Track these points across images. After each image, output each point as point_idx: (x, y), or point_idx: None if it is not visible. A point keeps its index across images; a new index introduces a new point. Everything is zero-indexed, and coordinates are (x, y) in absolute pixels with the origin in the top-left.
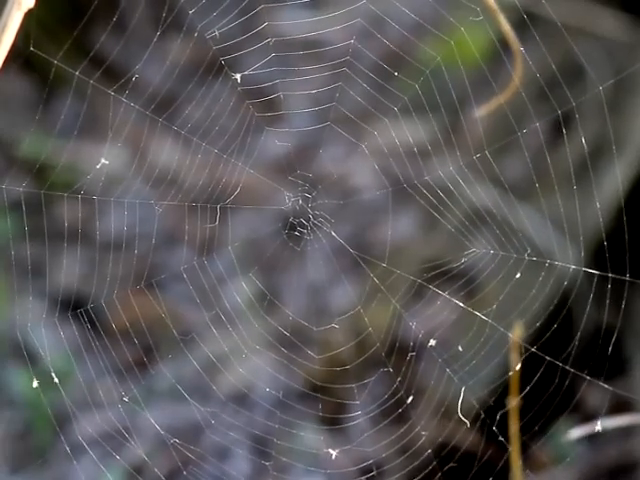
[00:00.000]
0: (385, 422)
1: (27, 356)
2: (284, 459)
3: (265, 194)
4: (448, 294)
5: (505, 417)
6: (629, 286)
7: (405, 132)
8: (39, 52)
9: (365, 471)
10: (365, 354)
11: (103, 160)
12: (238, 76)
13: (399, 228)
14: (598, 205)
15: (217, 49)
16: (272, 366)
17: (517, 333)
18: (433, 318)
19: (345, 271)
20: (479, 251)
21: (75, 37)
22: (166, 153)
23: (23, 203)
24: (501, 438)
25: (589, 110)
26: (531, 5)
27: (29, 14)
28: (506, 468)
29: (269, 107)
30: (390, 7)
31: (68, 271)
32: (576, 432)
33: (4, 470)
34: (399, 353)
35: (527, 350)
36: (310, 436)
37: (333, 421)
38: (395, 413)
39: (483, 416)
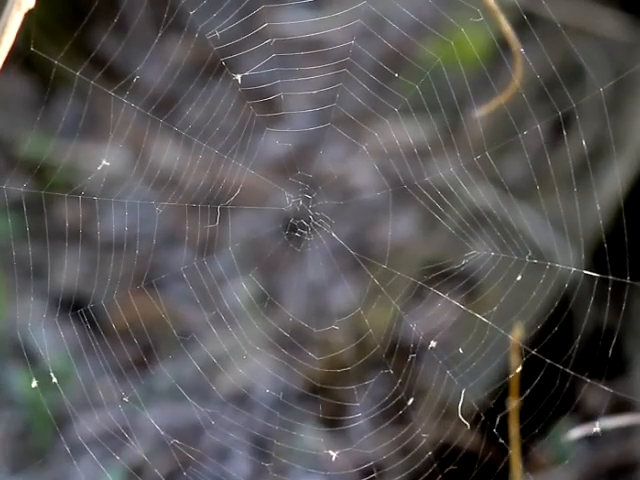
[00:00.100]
0: (386, 424)
1: (27, 356)
2: (284, 460)
3: (265, 195)
4: (448, 296)
5: (506, 418)
6: (629, 288)
7: (405, 133)
8: (39, 52)
9: (365, 473)
10: (365, 355)
11: (104, 162)
12: (239, 77)
13: (399, 229)
14: (598, 207)
15: (218, 50)
16: (272, 367)
17: (517, 335)
18: (433, 320)
19: (345, 272)
20: (479, 253)
21: (76, 37)
22: (167, 154)
23: (24, 203)
24: (501, 440)
25: (589, 110)
26: (531, 5)
27: (29, 14)
28: (506, 470)
29: (270, 108)
30: (390, 8)
31: (68, 271)
32: (576, 432)
33: (4, 470)
34: (399, 355)
35: (527, 352)
36: (310, 437)
37: (333, 422)
38: (395, 415)
39: (483, 418)
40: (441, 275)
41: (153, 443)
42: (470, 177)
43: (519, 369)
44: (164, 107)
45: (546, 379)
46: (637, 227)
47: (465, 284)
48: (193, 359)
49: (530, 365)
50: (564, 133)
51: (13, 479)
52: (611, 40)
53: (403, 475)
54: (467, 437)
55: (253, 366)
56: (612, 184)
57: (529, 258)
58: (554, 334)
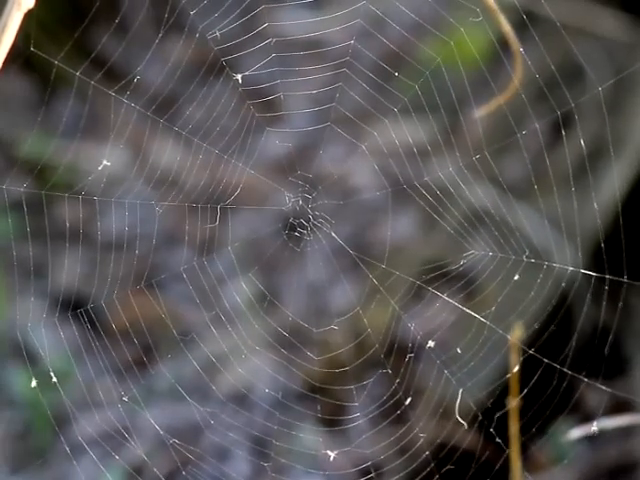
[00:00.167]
0: (384, 423)
1: (27, 356)
2: (283, 460)
3: (265, 194)
4: (447, 296)
5: (503, 418)
6: (629, 287)
7: (405, 132)
8: (39, 52)
9: (364, 472)
10: (364, 355)
11: (105, 162)
12: (239, 77)
13: (399, 229)
14: (596, 206)
15: (218, 50)
16: (271, 367)
17: (516, 334)
18: (432, 319)
19: (345, 272)
20: (478, 253)
21: (76, 38)
22: (167, 154)
23: (24, 203)
24: (498, 440)
25: (589, 110)
26: (531, 5)
27: (29, 14)
28: (504, 469)
29: (270, 107)
30: (390, 7)
31: (69, 271)
32: (576, 432)
33: (4, 470)
34: (398, 354)
35: (525, 352)
36: (309, 437)
37: (332, 422)
38: (394, 414)
39: (481, 418)
40: (440, 275)
41: (153, 443)
42: (469, 177)
43: (517, 368)
44: (164, 107)
45: (544, 378)
46: (636, 227)
47: (463, 284)
48: (193, 359)
49: (529, 364)
50: (563, 133)
51: (13, 479)
52: (611, 40)
53: (401, 475)
54: (465, 437)
55: (252, 366)
56: (611, 184)
57: (527, 258)
58: (552, 333)
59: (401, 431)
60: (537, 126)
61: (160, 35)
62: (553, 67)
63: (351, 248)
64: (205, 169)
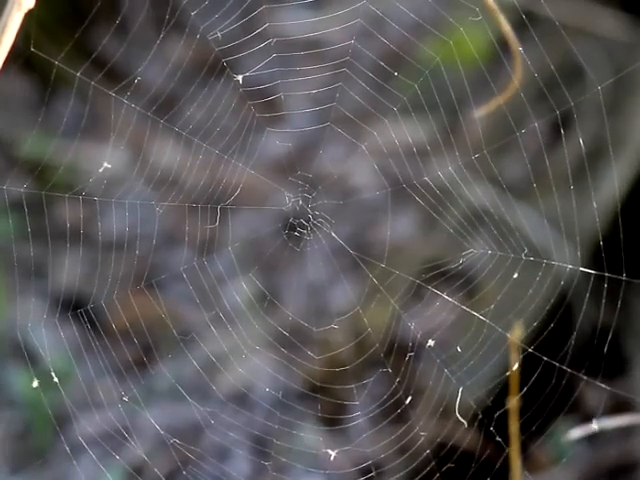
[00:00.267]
0: (384, 422)
1: (27, 356)
2: (283, 459)
3: (265, 194)
4: (446, 294)
5: (503, 417)
6: (628, 286)
7: (405, 132)
8: (39, 53)
9: (364, 471)
10: (364, 354)
11: (106, 164)
12: (240, 77)
13: (398, 228)
14: (595, 205)
15: (219, 50)
16: (272, 366)
17: (516, 333)
18: (432, 318)
19: (345, 271)
20: (477, 251)
21: (76, 38)
22: (167, 154)
23: (24, 203)
24: (499, 438)
25: (589, 110)
26: (530, 5)
27: (29, 14)
28: (504, 468)
29: (270, 108)
30: (390, 7)
31: (69, 271)
32: (576, 432)
33: (4, 470)
34: (398, 353)
35: (525, 350)
36: (309, 436)
37: (332, 421)
38: (394, 413)
39: (481, 416)
40: (439, 274)
41: (153, 443)
42: (469, 176)
43: (516, 367)
44: (165, 107)
45: (544, 377)
46: (635, 226)
47: (463, 283)
48: (193, 359)
49: (528, 363)
50: (562, 133)
51: (13, 479)
52: (611, 40)
53: (401, 474)
54: (465, 436)
55: (253, 365)
56: (611, 183)
57: (525, 256)
58: (552, 332)
59: (401, 430)
60: (536, 125)
61: (161, 36)
62: (553, 67)
63: (351, 248)
64: (205, 169)
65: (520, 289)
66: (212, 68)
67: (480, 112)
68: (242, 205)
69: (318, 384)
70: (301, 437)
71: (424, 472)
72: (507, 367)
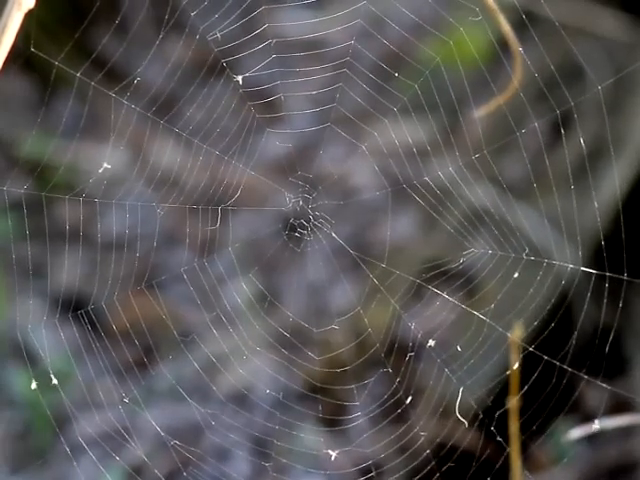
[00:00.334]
0: (384, 422)
1: (27, 357)
2: (284, 460)
3: (266, 195)
4: (447, 294)
5: (504, 416)
6: (629, 286)
7: (405, 132)
8: (39, 53)
9: (364, 472)
10: (365, 355)
11: (105, 164)
12: (239, 78)
13: (398, 228)
14: (596, 205)
15: (219, 51)
16: (272, 367)
17: (516, 332)
18: (432, 318)
19: (345, 272)
20: (477, 251)
21: (76, 38)
22: (167, 155)
23: (24, 204)
24: (499, 438)
25: (589, 110)
26: (530, 5)
27: (29, 14)
28: (504, 468)
29: (270, 108)
30: (390, 8)
31: (69, 272)
32: (576, 432)
33: (4, 470)
34: (398, 353)
35: (525, 349)
36: (310, 437)
37: (333, 422)
38: (394, 413)
39: (482, 416)
40: (440, 273)
41: (153, 443)
42: (469, 176)
43: (517, 366)
44: (165, 108)
45: (544, 377)
46: (636, 226)
47: (463, 282)
48: (193, 360)
49: (529, 363)
50: (562, 132)
51: (13, 479)
52: (611, 40)
53: (401, 473)
54: (465, 435)
55: (253, 366)
56: (611, 183)
57: (526, 255)
58: (552, 331)
59: (401, 430)
60: (536, 125)
61: (160, 36)
62: (553, 67)
63: (351, 248)
64: (206, 170)
65: (521, 289)
66: (212, 69)
67: (480, 112)
68: (242, 206)
69: (318, 385)
70: (301, 438)
71: (424, 472)
72: (507, 366)
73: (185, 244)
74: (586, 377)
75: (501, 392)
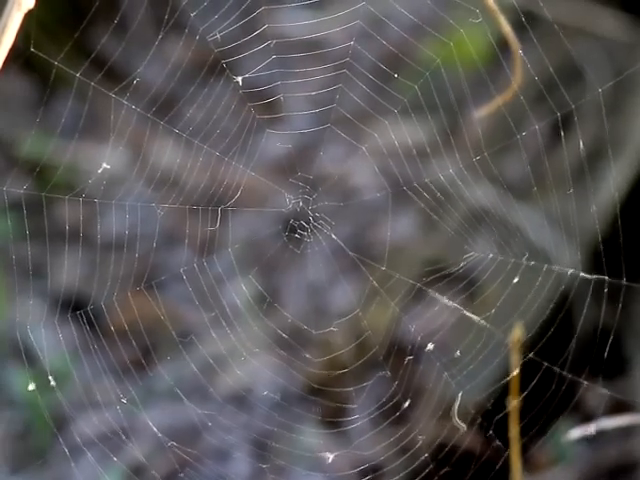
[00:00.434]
0: (383, 425)
1: (26, 357)
2: (282, 462)
3: (266, 196)
4: (447, 298)
5: (503, 419)
6: (629, 288)
7: (405, 134)
8: (39, 53)
9: (363, 474)
10: (363, 357)
11: (105, 165)
12: (239, 79)
13: (399, 230)
14: (595, 207)
15: (218, 51)
16: (271, 368)
17: (517, 333)
18: (432, 321)
19: (345, 273)
20: (477, 255)
21: (76, 38)
22: (167, 155)
23: (24, 204)
24: (498, 442)
25: (589, 110)
26: (530, 5)
27: (29, 14)
28: (504, 470)
29: (270, 109)
30: (389, 8)
31: (68, 272)
32: (576, 433)
33: (4, 470)
34: (397, 356)
35: (525, 355)
36: (308, 439)
37: (331, 424)
38: (393, 416)
39: (480, 420)
40: (440, 277)
41: (152, 444)
42: (469, 178)
43: (518, 369)
44: (164, 109)
45: (545, 379)
46: (636, 228)
47: (463, 286)
48: (192, 360)
49: (529, 365)
50: (563, 134)
51: (13, 479)
52: (611, 40)
53: (400, 475)
54: (464, 438)
55: (252, 367)
56: (612, 184)
57: (526, 260)
58: (553, 335)
59: (400, 432)
60: (537, 128)
61: (160, 36)
62: (551, 68)
63: (351, 249)
64: (205, 171)
65: (521, 292)
66: (211, 69)
67: (481, 112)
68: (242, 207)
69: (317, 387)
70: (300, 440)
71: (423, 474)
72: (507, 369)
73: (185, 244)
74: (586, 383)
75: (501, 395)
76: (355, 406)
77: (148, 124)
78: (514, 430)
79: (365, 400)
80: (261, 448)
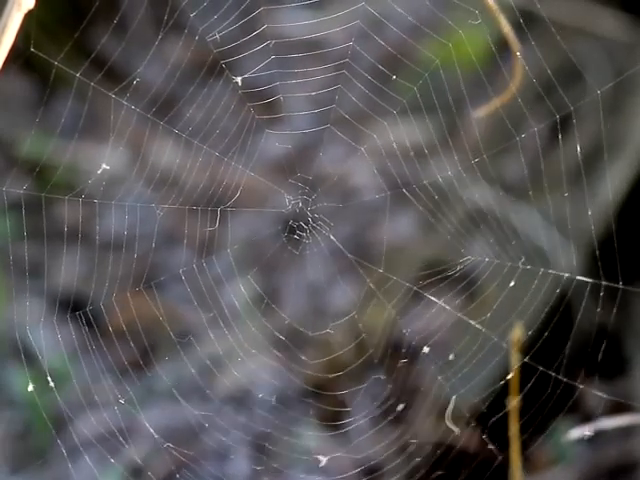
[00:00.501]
0: (377, 428)
1: (25, 357)
2: (278, 464)
3: (265, 196)
4: (443, 301)
5: (500, 420)
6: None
7: (404, 135)
8: (39, 53)
9: (358, 476)
10: (359, 360)
11: (104, 165)
12: (239, 79)
13: (397, 230)
14: (594, 209)
15: (218, 52)
16: (268, 370)
17: (517, 333)
18: (427, 324)
19: (343, 274)
20: (474, 258)
21: (76, 38)
22: (167, 156)
23: (23, 204)
24: (491, 446)
25: (589, 111)
26: (530, 6)
27: (29, 14)
28: (500, 472)
29: (269, 109)
30: (388, 9)
31: (67, 272)
32: (575, 433)
33: (4, 470)
34: (392, 359)
35: (523, 358)
36: (304, 441)
37: (327, 426)
38: (387, 419)
39: (474, 423)
40: (436, 280)
41: (150, 445)
42: (468, 180)
43: (516, 368)
44: (164, 109)
45: (543, 379)
46: (635, 229)
47: (460, 289)
48: (190, 361)
49: (527, 365)
50: (560, 136)
51: (13, 479)
52: (611, 40)
53: (396, 478)
54: (458, 442)
55: (249, 369)
56: (612, 184)
57: (523, 264)
58: (550, 338)
59: (395, 435)
60: (536, 130)
61: (160, 37)
62: (553, 68)
63: (350, 250)
64: (205, 171)
65: (517, 295)
66: (211, 69)
67: (479, 113)
68: (242, 207)
69: (313, 389)
70: (296, 442)
71: (418, 476)
72: (503, 372)
73: (184, 245)
74: (581, 386)
75: (497, 398)
76: (350, 409)
77: (148, 124)
78: (514, 428)
79: (361, 403)
80: (258, 450)
